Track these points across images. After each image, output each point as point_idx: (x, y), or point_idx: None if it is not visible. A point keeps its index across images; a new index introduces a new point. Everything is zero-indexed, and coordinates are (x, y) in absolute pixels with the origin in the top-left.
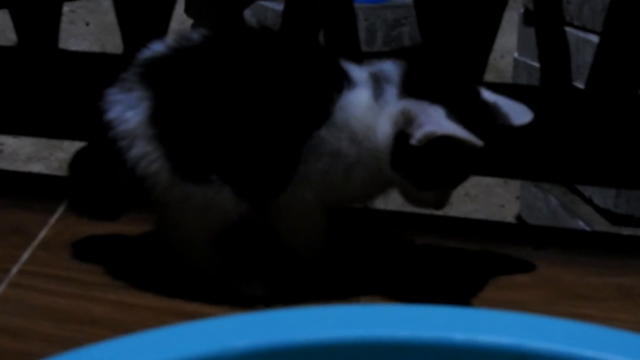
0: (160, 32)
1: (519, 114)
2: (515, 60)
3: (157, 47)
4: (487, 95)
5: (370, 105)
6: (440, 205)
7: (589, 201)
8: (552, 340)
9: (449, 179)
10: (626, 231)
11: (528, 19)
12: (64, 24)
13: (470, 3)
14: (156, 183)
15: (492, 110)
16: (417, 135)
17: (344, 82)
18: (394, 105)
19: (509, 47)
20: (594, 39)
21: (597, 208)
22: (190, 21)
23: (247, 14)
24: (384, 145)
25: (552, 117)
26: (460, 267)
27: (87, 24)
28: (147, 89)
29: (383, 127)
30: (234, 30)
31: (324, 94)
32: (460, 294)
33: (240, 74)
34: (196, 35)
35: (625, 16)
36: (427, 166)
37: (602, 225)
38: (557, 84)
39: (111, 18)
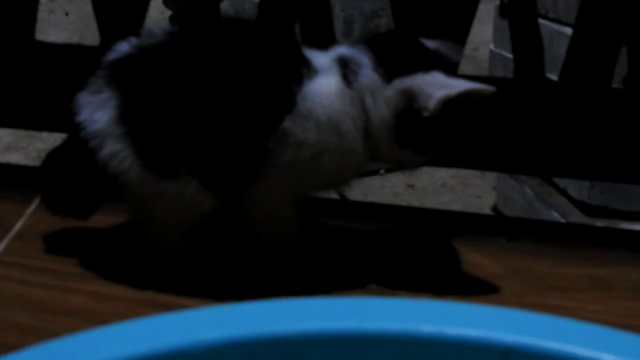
0: (137, 22)
1: (453, 52)
2: (491, 52)
3: (122, 48)
4: (429, 43)
5: (340, 91)
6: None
7: (563, 192)
8: (520, 332)
9: (456, 136)
10: (600, 222)
11: (503, 11)
12: (43, 14)
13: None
14: (128, 180)
15: (440, 54)
16: (431, 105)
17: (305, 71)
18: (383, 88)
19: (487, 38)
20: (569, 31)
21: (571, 199)
22: (169, 12)
23: (225, 5)
24: (381, 129)
25: (527, 109)
26: (433, 258)
27: (67, 14)
28: (114, 89)
29: (377, 111)
30: (197, 24)
31: (284, 86)
32: (433, 285)
33: (204, 68)
34: (160, 32)
35: (599, 9)
36: (437, 132)
37: (576, 216)
38: (530, 76)
39: (91, 8)
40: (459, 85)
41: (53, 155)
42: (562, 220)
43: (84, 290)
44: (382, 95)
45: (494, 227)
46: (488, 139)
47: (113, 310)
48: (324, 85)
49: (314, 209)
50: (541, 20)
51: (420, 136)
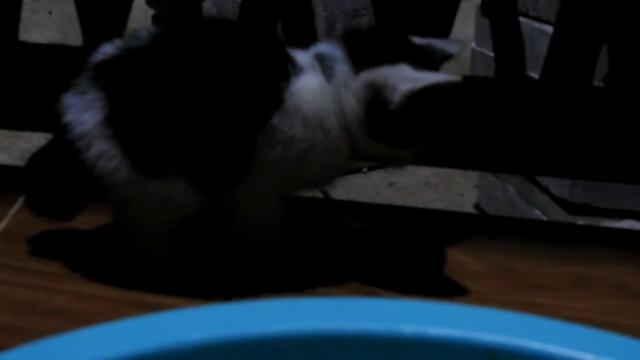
0: (120, 22)
1: (451, 45)
2: (472, 50)
3: (107, 49)
4: (418, 40)
5: (322, 88)
6: (416, 158)
7: (545, 190)
8: (502, 332)
9: (430, 129)
10: (582, 220)
11: (485, 9)
12: (27, 13)
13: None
14: (115, 180)
15: (431, 51)
16: (396, 98)
17: (291, 68)
18: (353, 81)
19: (469, 37)
20: (550, 29)
21: (553, 197)
22: (152, 11)
23: (207, 4)
24: (354, 122)
25: (508, 108)
26: (416, 257)
27: (50, 13)
28: (100, 90)
29: (349, 105)
30: (182, 25)
31: (272, 83)
32: (415, 284)
33: (190, 67)
34: (144, 33)
35: (579, 7)
36: (408, 125)
37: (558, 213)
38: (512, 75)
39: (74, 7)
40: (424, 78)
41: (37, 156)
42: (544, 218)
43: (68, 290)
44: (351, 88)
45: (476, 226)
46: (470, 137)
47: (97, 311)
48: (308, 82)
49: (297, 208)
50: (522, 19)
51: (390, 129)
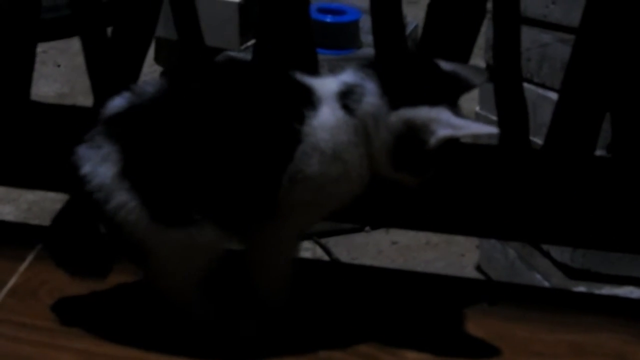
0: (132, 78)
1: (475, 75)
2: (476, 114)
3: (118, 102)
4: (445, 65)
5: (342, 122)
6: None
7: (546, 254)
8: None
9: (446, 160)
10: (582, 285)
11: (489, 73)
12: (35, 65)
13: (433, 55)
14: (135, 231)
15: (456, 79)
16: (434, 141)
17: (307, 104)
18: (387, 115)
19: (472, 96)
20: (553, 96)
21: (554, 261)
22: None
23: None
24: (381, 153)
25: (510, 176)
26: (417, 321)
27: (58, 65)
28: (115, 143)
29: (379, 136)
30: (191, 72)
31: (288, 124)
32: (417, 347)
33: (205, 113)
34: (153, 85)
35: (584, 75)
36: (431, 158)
37: (559, 278)
38: (515, 141)
39: (82, 59)
40: (464, 127)
41: (60, 218)
42: (545, 282)
43: (75, 348)
44: (386, 122)
45: (475, 291)
46: (472, 203)
47: None
48: (326, 118)
49: (302, 270)
50: (526, 85)
51: (415, 161)
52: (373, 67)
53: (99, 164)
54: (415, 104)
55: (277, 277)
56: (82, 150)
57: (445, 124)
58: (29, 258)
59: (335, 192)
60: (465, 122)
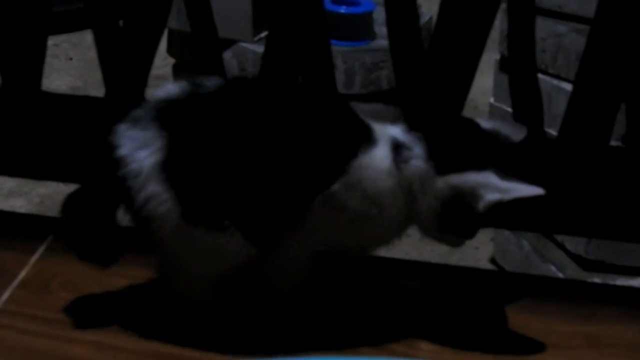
0: (142, 71)
1: (515, 131)
2: (490, 105)
3: (171, 89)
4: (485, 124)
5: (390, 170)
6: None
7: (561, 246)
8: None
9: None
10: (597, 277)
11: (503, 65)
12: (47, 58)
13: (447, 47)
14: (163, 225)
15: (496, 137)
16: (482, 206)
17: (364, 140)
18: (433, 179)
19: (486, 89)
20: (568, 87)
21: (568, 253)
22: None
23: (228, 55)
24: (428, 215)
25: (525, 167)
26: (429, 313)
27: (70, 59)
28: (162, 129)
29: (425, 199)
30: (249, 80)
31: (340, 152)
32: (429, 339)
33: (258, 123)
34: (211, 83)
35: (598, 66)
36: (481, 220)
37: (573, 270)
38: (530, 133)
39: (94, 53)
40: (511, 190)
41: (75, 196)
42: (559, 274)
43: (87, 340)
44: (432, 186)
45: (491, 283)
46: None
47: None
48: (377, 161)
49: (314, 262)
50: (540, 76)
51: (463, 224)
52: (423, 131)
53: (140, 147)
54: (462, 170)
55: (292, 279)
56: (124, 130)
57: (493, 188)
58: (40, 250)
59: (360, 229)
60: (512, 185)
